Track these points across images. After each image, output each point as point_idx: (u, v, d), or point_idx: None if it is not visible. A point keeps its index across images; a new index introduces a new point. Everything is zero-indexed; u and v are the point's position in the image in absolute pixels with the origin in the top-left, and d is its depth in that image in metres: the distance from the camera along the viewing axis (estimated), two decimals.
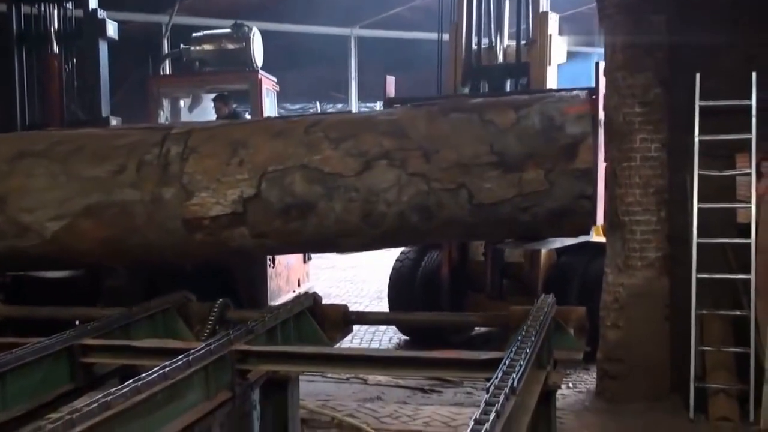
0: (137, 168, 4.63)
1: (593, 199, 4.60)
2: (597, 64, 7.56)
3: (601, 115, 6.82)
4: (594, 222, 5.09)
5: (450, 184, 4.45)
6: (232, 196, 4.52)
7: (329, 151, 4.51)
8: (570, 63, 9.14)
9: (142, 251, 4.85)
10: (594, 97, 6.79)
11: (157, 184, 4.59)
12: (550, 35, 8.37)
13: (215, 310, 4.86)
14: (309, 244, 5.18)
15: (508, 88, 8.63)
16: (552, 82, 8.39)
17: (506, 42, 8.84)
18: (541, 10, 8.51)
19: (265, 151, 4.57)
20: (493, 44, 8.85)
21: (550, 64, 8.36)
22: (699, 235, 6.02)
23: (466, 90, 8.55)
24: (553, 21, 8.49)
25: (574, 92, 4.82)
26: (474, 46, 8.78)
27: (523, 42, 8.62)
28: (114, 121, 7.96)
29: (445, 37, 9.08)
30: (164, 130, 4.85)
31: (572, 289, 7.61)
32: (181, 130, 4.80)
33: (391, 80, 8.52)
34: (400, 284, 8.82)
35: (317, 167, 4.49)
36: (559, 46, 8.53)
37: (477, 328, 8.67)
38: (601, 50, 6.83)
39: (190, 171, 4.56)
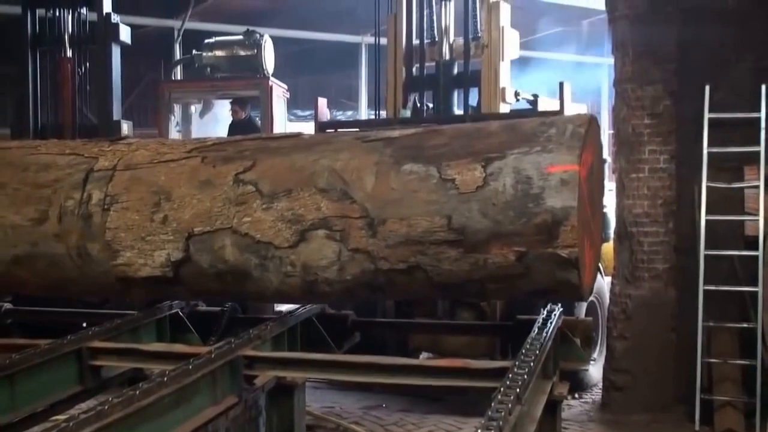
0: (59, 218, 4.27)
1: (582, 279, 3.70)
2: (561, 84, 7.11)
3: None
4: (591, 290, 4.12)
5: (400, 264, 3.77)
6: (160, 258, 4.11)
7: (260, 213, 3.94)
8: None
9: (87, 295, 4.59)
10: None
11: (81, 238, 4.23)
12: (503, 27, 7.50)
13: (223, 314, 4.90)
14: (258, 301, 4.65)
15: (455, 98, 7.86)
16: (505, 80, 7.55)
17: (452, 36, 7.86)
18: None
19: (190, 206, 4.07)
20: (437, 39, 7.86)
21: (503, 60, 7.51)
22: (706, 247, 6.02)
23: (408, 111, 7.70)
24: (506, 11, 7.58)
25: (574, 119, 3.87)
26: (415, 41, 7.89)
27: (471, 36, 7.68)
28: (125, 125, 8.01)
29: (384, 41, 8.16)
30: (89, 163, 4.39)
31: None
32: (106, 165, 4.35)
33: (322, 102, 7.96)
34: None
35: (248, 233, 3.94)
36: (512, 40, 7.65)
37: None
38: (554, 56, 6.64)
39: (112, 227, 4.16)
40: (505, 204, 3.58)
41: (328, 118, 8.39)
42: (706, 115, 6.09)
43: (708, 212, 6.04)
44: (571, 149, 3.60)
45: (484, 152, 3.71)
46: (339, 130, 8.05)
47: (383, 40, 8.20)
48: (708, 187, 6.05)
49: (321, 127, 7.79)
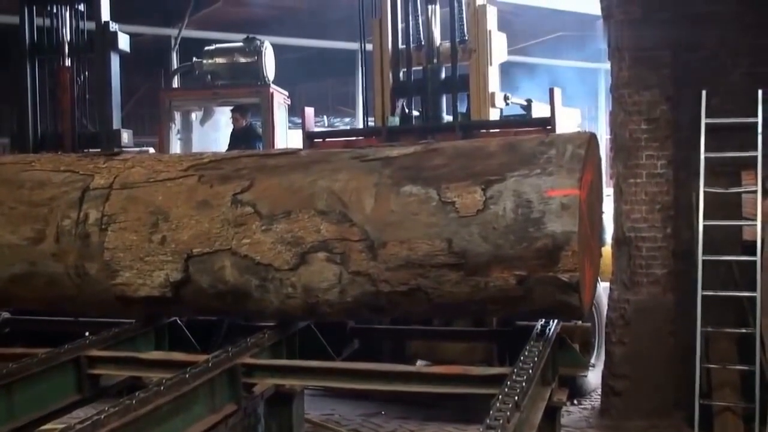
0: (56, 237, 4.28)
1: (582, 300, 3.69)
2: (552, 90, 7.08)
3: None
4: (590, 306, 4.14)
5: (401, 286, 3.77)
6: (159, 279, 4.11)
7: (260, 234, 3.93)
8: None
9: (86, 312, 4.65)
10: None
11: (79, 257, 4.24)
12: (490, 31, 7.45)
13: (223, 322, 4.89)
14: (259, 319, 4.76)
15: (444, 103, 7.85)
16: (494, 84, 7.51)
17: (438, 40, 7.79)
18: (478, 2, 7.49)
19: (189, 227, 4.06)
20: (424, 43, 7.78)
21: (491, 65, 7.46)
22: (704, 252, 6.03)
23: (396, 119, 7.74)
24: (492, 15, 7.54)
25: (573, 138, 3.82)
26: (402, 45, 7.86)
27: (458, 40, 7.63)
28: (125, 134, 8.03)
29: (369, 47, 8.17)
30: (84, 180, 4.38)
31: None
32: (101, 183, 4.33)
33: (309, 111, 7.99)
34: None
35: (248, 254, 3.94)
36: (499, 43, 7.59)
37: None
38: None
39: (111, 247, 4.16)
40: (506, 228, 3.56)
41: (326, 125, 8.45)
42: (703, 121, 6.11)
43: (706, 217, 6.05)
44: (572, 172, 3.58)
45: (483, 174, 3.69)
46: (327, 139, 8.13)
47: (371, 47, 8.19)
48: (705, 192, 6.06)
49: (308, 136, 7.85)
